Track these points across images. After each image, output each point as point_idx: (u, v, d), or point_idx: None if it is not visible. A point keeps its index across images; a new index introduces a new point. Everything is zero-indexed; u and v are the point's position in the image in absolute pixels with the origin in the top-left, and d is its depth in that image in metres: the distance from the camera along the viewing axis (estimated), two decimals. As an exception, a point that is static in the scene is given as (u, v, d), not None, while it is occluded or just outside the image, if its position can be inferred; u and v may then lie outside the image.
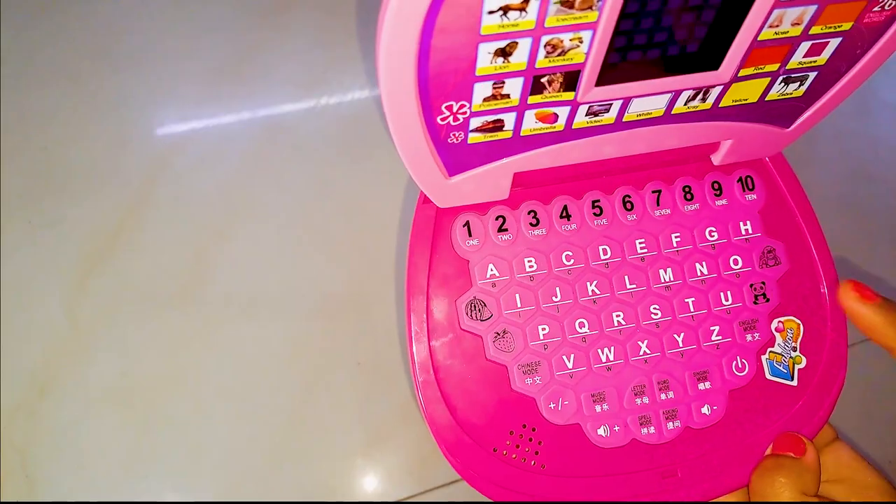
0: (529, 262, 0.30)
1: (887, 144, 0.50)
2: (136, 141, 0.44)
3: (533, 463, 0.29)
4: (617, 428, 0.29)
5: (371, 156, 0.45)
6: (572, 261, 0.30)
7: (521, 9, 0.20)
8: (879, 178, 0.50)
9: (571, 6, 0.20)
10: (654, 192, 0.31)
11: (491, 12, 0.20)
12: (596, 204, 0.31)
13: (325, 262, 0.43)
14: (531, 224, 0.30)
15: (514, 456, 0.28)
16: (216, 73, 0.46)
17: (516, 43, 0.21)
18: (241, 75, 0.46)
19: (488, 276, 0.29)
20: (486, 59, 0.22)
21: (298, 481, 0.39)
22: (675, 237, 0.31)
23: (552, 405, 0.29)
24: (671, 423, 0.29)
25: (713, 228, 0.31)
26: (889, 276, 0.49)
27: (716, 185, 0.31)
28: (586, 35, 0.22)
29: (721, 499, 0.30)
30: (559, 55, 0.22)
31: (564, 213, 0.30)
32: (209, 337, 0.41)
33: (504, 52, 0.22)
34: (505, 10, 0.20)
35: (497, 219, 0.30)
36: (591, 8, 0.21)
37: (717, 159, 0.31)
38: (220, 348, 0.41)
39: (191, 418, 0.39)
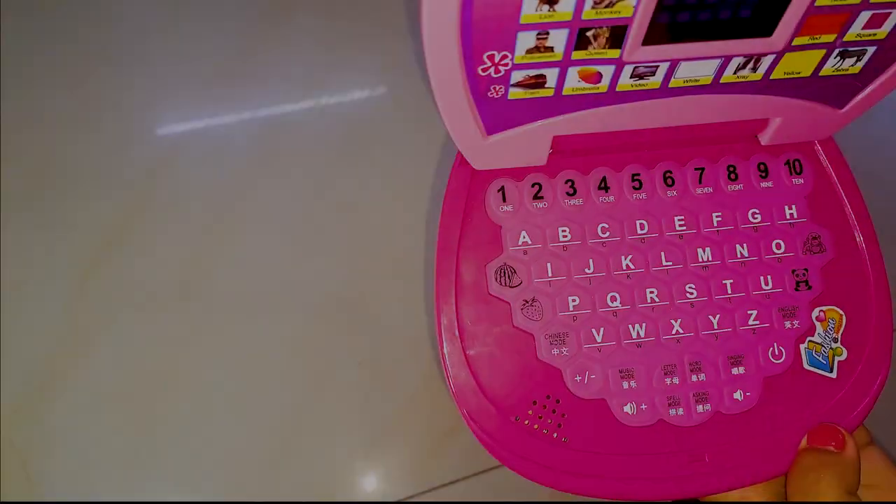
0: (563, 231, 0.29)
1: (888, 144, 0.49)
2: (137, 141, 0.44)
3: (555, 435, 0.28)
4: (644, 406, 0.28)
5: (371, 156, 0.45)
6: (608, 233, 0.29)
7: (571, -49, 0.20)
8: (880, 178, 0.48)
9: (622, -49, 0.20)
10: (696, 169, 0.30)
11: (539, -48, 0.20)
12: (636, 177, 0.30)
13: (326, 262, 0.43)
14: (568, 193, 0.29)
15: (535, 426, 0.28)
16: (216, 72, 0.46)
17: (564, -11, 0.21)
18: (241, 75, 0.46)
19: (520, 242, 0.29)
20: (531, 6, 0.21)
21: (298, 481, 0.39)
22: (717, 217, 0.30)
23: (578, 378, 0.28)
24: (701, 407, 0.28)
25: (756, 210, 0.30)
26: (889, 276, 0.47)
27: (762, 167, 0.30)
28: (636, -15, 0.21)
29: (749, 490, 0.29)
30: (606, 6, 0.22)
31: (603, 185, 0.30)
32: (209, 337, 0.40)
33: (550, 0, 0.21)
34: (554, -49, 0.20)
35: (533, 186, 0.29)
36: (642, -45, 0.20)
37: (764, 139, 0.30)
38: (221, 348, 0.40)
39: (191, 418, 0.39)
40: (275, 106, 0.46)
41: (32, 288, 0.41)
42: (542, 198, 0.29)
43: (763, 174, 0.30)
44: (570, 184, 0.29)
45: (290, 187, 0.44)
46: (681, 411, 0.28)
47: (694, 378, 0.29)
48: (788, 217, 0.30)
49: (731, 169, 0.30)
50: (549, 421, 0.28)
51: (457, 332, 0.28)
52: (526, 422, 0.28)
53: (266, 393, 0.40)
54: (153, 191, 0.43)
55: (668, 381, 0.28)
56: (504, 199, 0.29)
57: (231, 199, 0.44)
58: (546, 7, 0.22)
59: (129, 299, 0.41)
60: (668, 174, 0.30)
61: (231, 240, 0.43)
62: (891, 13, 0.24)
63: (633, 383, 0.28)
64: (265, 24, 0.48)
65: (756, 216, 0.30)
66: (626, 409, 0.28)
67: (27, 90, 0.44)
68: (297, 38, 0.48)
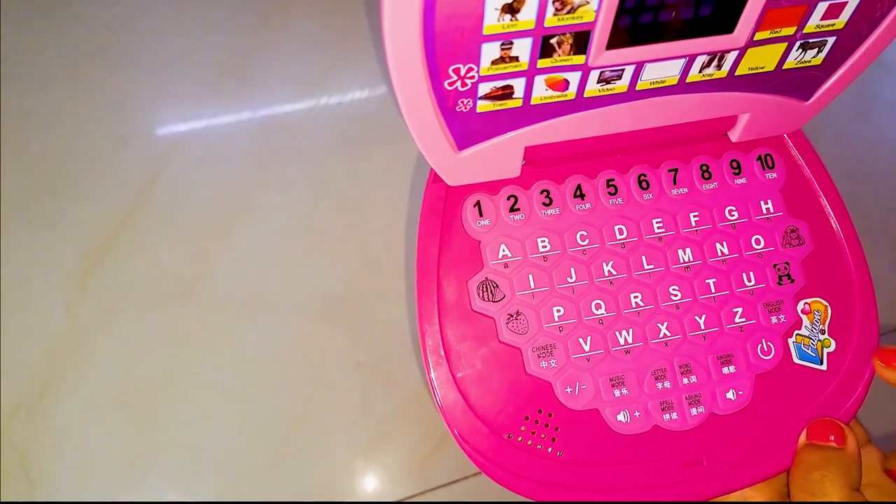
0: (543, 242, 0.29)
1: (888, 145, 0.49)
2: (136, 141, 0.44)
3: (549, 450, 0.27)
4: (637, 413, 0.28)
5: (371, 155, 0.45)
6: (587, 241, 0.29)
7: (528, -41, 0.20)
8: (880, 178, 0.49)
9: (580, -44, 0.20)
10: (670, 170, 0.30)
11: (497, -38, 0.19)
12: (611, 183, 0.30)
13: (325, 262, 0.43)
14: (544, 203, 0.29)
15: (529, 442, 0.27)
16: (216, 73, 0.46)
17: (524, -3, 0.21)
18: (241, 75, 0.47)
19: (500, 256, 0.29)
20: (493, 16, 0.21)
21: (298, 481, 0.38)
22: (694, 216, 0.30)
23: (569, 389, 0.28)
24: (695, 409, 0.28)
25: (733, 207, 0.30)
26: (889, 276, 0.47)
27: (734, 164, 0.30)
28: (596, -10, 0.21)
29: (750, 490, 0.28)
30: (568, 12, 0.22)
31: (578, 193, 0.29)
32: (209, 337, 0.40)
33: (511, 9, 0.21)
34: (511, -41, 0.20)
35: (509, 198, 0.29)
36: (600, -42, 0.20)
37: (734, 136, 0.30)
38: (220, 348, 0.40)
39: (191, 418, 0.39)
40: (274, 106, 0.46)
41: (32, 288, 0.41)
42: (518, 210, 0.29)
43: (736, 171, 0.30)
44: (545, 194, 0.29)
45: (289, 187, 0.44)
46: (675, 416, 0.28)
47: (685, 381, 0.28)
48: (765, 212, 0.30)
49: (705, 168, 0.30)
50: (543, 436, 0.27)
51: (443, 353, 0.27)
52: (519, 438, 0.27)
53: (266, 393, 0.40)
54: (153, 191, 0.43)
55: (659, 385, 0.28)
56: (481, 214, 0.29)
57: (231, 199, 0.44)
58: (508, 16, 0.21)
59: (129, 299, 0.41)
60: (642, 177, 0.30)
61: (231, 240, 0.43)
62: (847, 2, 0.24)
63: (624, 391, 0.28)
64: (265, 25, 0.48)
65: (733, 213, 0.30)
66: (620, 417, 0.28)
67: (27, 90, 0.45)
68: (296, 38, 0.48)
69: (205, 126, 0.45)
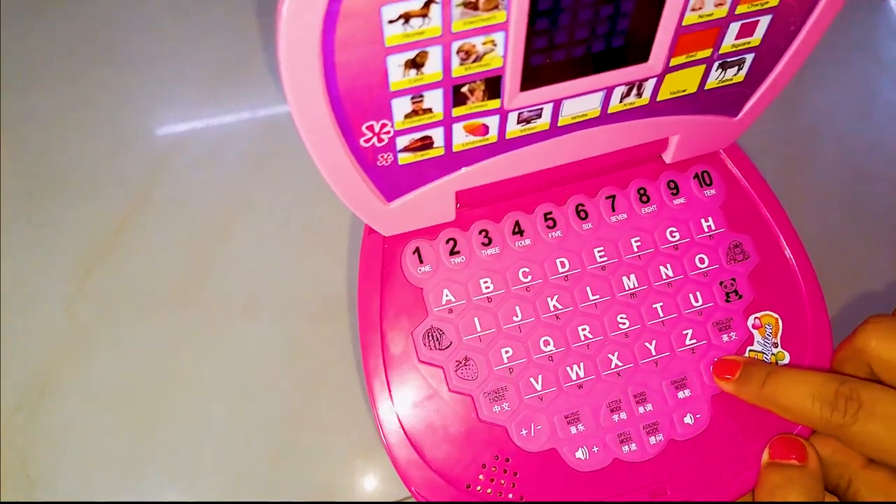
0: (485, 282, 0.28)
1: (888, 144, 0.49)
2: (136, 141, 0.44)
3: (510, 496, 0.27)
4: (596, 449, 0.27)
5: None
6: (530, 277, 0.29)
7: (423, 15, 0.19)
8: (879, 178, 0.49)
9: (476, 7, 0.20)
10: (608, 197, 0.30)
11: (391, 21, 0.19)
12: (549, 216, 0.29)
13: (326, 262, 0.42)
14: (483, 244, 0.29)
15: (489, 491, 0.27)
16: (216, 73, 0.47)
17: (426, 52, 0.21)
18: (241, 75, 0.47)
19: (444, 301, 0.28)
20: (398, 73, 0.21)
21: (298, 481, 0.38)
22: (635, 242, 0.29)
23: (524, 431, 0.27)
24: (653, 438, 0.28)
25: (674, 228, 0.30)
26: (889, 276, 0.47)
27: (671, 184, 0.30)
28: (499, 37, 0.21)
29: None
30: (475, 61, 0.21)
31: (517, 229, 0.29)
32: (209, 337, 0.40)
33: (416, 64, 0.21)
34: (406, 17, 0.19)
35: (448, 242, 0.29)
36: (496, 8, 0.20)
37: (668, 157, 0.30)
38: (220, 348, 0.40)
39: (191, 418, 0.39)
40: (274, 106, 0.46)
41: (32, 288, 0.41)
42: (458, 252, 0.29)
43: (674, 191, 0.30)
44: (484, 234, 0.29)
45: (289, 187, 0.44)
46: (634, 447, 0.27)
47: (641, 410, 0.28)
48: (707, 229, 0.30)
49: (642, 191, 0.30)
50: (503, 482, 0.27)
51: (393, 408, 0.27)
52: (478, 488, 0.27)
53: (266, 393, 0.40)
54: (153, 191, 0.43)
55: (615, 417, 0.28)
56: (421, 261, 0.29)
57: (230, 199, 0.44)
58: (413, 71, 0.21)
59: (128, 299, 0.41)
60: (580, 207, 0.30)
61: (231, 239, 0.43)
62: (759, 20, 0.24)
63: (580, 427, 0.27)
64: (265, 24, 0.48)
65: (674, 234, 0.30)
66: (579, 454, 0.27)
67: (27, 90, 0.45)
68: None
69: (205, 126, 0.45)
